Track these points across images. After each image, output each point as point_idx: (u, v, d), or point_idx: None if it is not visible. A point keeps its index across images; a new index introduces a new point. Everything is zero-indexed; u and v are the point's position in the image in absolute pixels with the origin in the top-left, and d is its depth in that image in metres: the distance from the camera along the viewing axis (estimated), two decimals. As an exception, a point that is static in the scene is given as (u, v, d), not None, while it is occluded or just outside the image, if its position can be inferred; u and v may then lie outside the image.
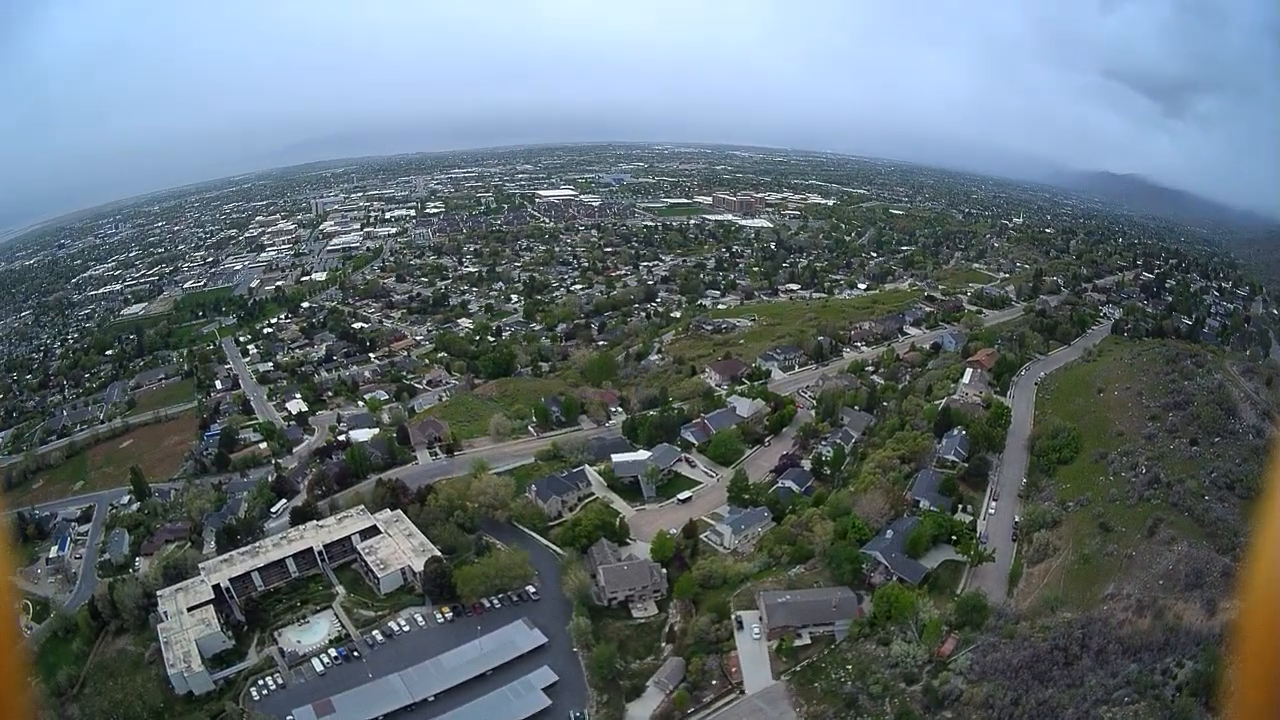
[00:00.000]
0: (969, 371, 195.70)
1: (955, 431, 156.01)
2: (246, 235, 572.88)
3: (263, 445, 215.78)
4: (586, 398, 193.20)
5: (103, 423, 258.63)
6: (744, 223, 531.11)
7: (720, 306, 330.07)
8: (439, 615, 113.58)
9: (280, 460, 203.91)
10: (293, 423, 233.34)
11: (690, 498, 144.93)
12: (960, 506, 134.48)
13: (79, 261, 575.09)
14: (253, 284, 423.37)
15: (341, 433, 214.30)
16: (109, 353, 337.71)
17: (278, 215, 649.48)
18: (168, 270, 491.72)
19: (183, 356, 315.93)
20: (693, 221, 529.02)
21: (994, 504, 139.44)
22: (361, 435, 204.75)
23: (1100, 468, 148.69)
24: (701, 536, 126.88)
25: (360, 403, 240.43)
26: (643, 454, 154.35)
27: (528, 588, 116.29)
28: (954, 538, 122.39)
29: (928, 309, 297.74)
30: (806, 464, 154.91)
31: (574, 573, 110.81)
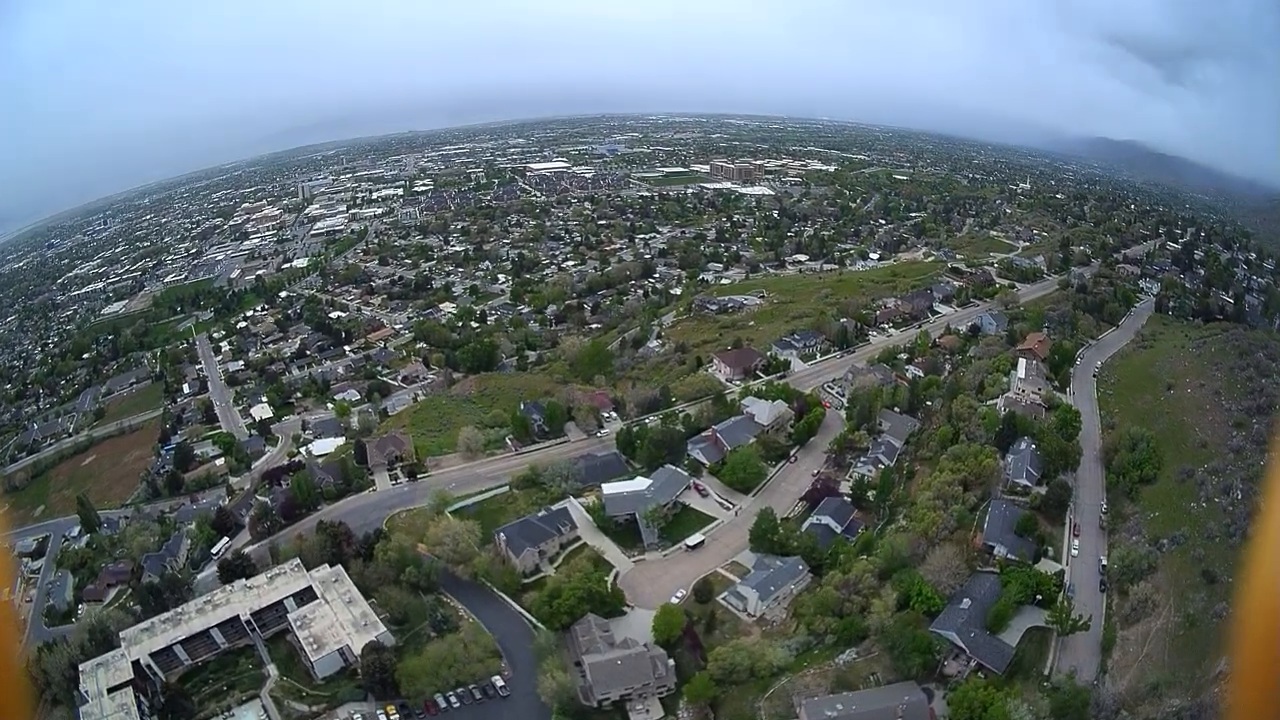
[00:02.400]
0: (1022, 363, 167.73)
1: (1023, 445, 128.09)
2: (231, 223, 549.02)
3: (219, 461, 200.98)
4: (575, 401, 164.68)
5: (69, 436, 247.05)
6: (744, 190, 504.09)
7: (724, 281, 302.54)
8: (383, 715, 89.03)
9: (234, 479, 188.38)
10: (254, 431, 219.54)
11: (703, 542, 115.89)
12: (1042, 550, 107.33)
13: (66, 261, 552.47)
14: (233, 274, 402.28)
15: (305, 442, 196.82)
16: (85, 356, 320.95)
17: (264, 201, 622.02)
18: (151, 264, 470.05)
19: (155, 358, 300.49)
20: (690, 190, 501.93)
21: (1076, 541, 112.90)
22: (324, 446, 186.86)
23: (1188, 490, 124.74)
24: (719, 599, 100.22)
25: (329, 405, 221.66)
26: (641, 483, 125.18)
27: (494, 678, 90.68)
28: (1039, 596, 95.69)
29: (956, 283, 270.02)
30: (844, 487, 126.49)
31: (552, 670, 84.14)
